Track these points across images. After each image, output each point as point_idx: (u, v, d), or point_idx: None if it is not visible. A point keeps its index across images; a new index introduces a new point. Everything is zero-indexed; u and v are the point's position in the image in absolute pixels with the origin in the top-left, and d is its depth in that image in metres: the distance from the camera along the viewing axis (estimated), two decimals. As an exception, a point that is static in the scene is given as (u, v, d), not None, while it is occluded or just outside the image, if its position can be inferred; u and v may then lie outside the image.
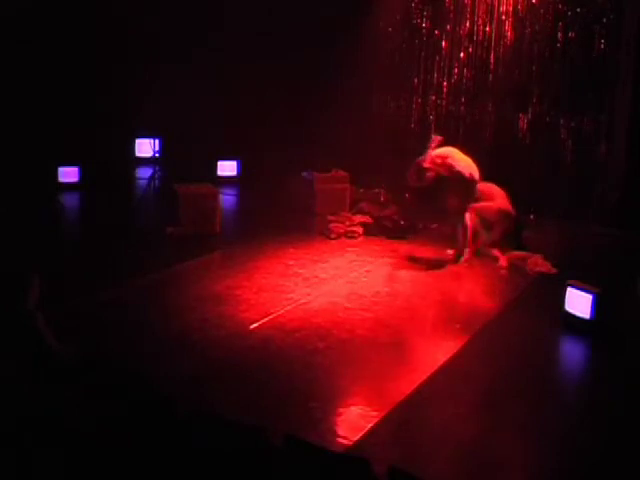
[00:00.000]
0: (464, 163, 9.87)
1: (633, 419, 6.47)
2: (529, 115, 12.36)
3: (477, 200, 10.15)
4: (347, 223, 11.43)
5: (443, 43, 13.02)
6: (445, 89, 13.13)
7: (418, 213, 11.46)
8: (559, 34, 11.99)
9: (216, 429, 4.96)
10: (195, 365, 7.09)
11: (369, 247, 10.76)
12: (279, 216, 11.62)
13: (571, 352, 8.33)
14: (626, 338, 7.95)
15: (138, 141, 14.30)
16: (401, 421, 6.38)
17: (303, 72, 13.21)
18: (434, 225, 11.47)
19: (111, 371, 5.82)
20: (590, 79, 11.79)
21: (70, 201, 12.55)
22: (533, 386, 7.06)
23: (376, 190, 12.61)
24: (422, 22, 13.20)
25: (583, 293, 8.06)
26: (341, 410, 6.55)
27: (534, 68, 12.32)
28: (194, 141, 13.03)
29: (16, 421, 5.03)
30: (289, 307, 8.51)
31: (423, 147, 10.14)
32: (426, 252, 10.49)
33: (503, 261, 10.04)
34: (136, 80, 13.16)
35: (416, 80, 13.35)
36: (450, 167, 9.79)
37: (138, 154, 14.33)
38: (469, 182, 9.83)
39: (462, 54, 12.88)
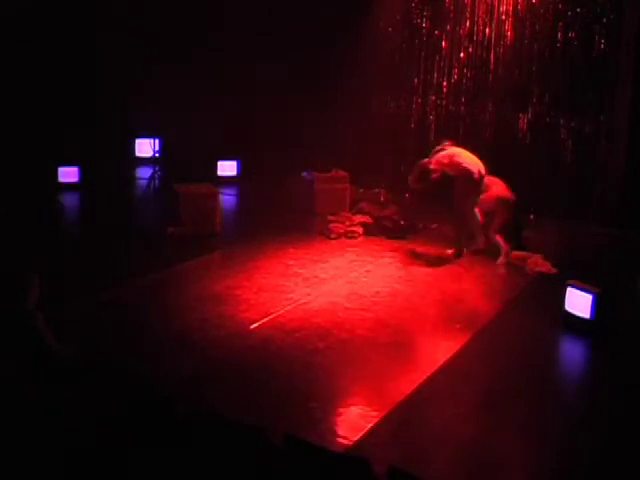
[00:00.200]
0: (470, 160, 10.01)
1: (633, 419, 6.47)
2: (529, 115, 12.36)
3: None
4: (347, 223, 11.43)
5: (443, 43, 13.02)
6: (445, 89, 13.13)
7: (418, 213, 11.49)
8: (559, 34, 11.99)
9: (216, 429, 4.96)
10: (195, 365, 7.10)
11: (369, 247, 10.76)
12: (279, 216, 11.62)
13: (571, 352, 8.33)
14: (626, 338, 7.95)
15: (138, 141, 14.32)
16: (401, 421, 6.38)
17: (303, 72, 13.21)
18: (434, 225, 11.49)
19: (111, 371, 5.82)
20: (590, 79, 11.78)
21: (70, 201, 12.55)
22: (533, 386, 7.06)
23: (376, 190, 12.62)
24: (422, 22, 13.20)
25: (583, 293, 8.06)
26: (341, 410, 6.55)
27: (534, 68, 12.32)
28: (194, 141, 13.04)
29: (16, 421, 5.03)
30: (289, 307, 8.51)
31: (430, 151, 10.24)
32: (426, 252, 10.49)
33: (505, 252, 10.06)
34: (136, 80, 13.17)
35: (416, 80, 13.35)
36: (457, 165, 9.94)
37: (138, 154, 14.35)
38: (477, 179, 9.94)
39: (462, 54, 12.88)
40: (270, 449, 4.81)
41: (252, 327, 7.98)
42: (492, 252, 10.37)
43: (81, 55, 13.00)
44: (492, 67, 12.65)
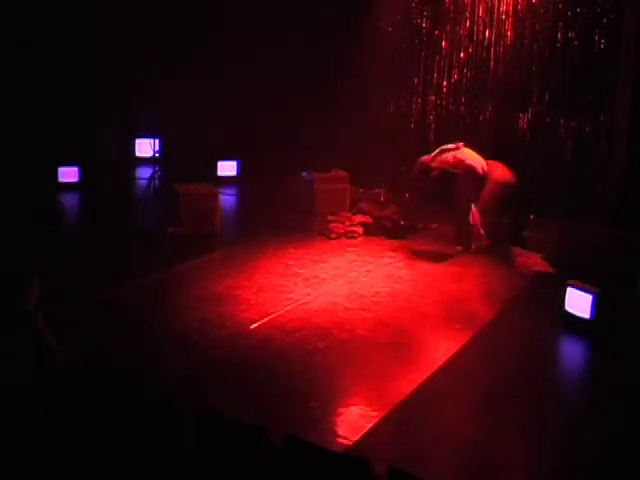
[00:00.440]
0: (473, 158, 10.36)
1: (633, 419, 6.47)
2: (529, 115, 12.36)
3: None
4: (347, 223, 11.43)
5: (443, 43, 13.01)
6: (445, 89, 13.13)
7: (418, 213, 11.48)
8: (559, 34, 11.97)
9: (216, 429, 4.96)
10: (195, 365, 7.10)
11: (369, 247, 10.76)
12: (279, 216, 11.62)
13: (571, 352, 8.33)
14: (626, 338, 7.95)
15: (138, 141, 14.30)
16: (401, 421, 6.38)
17: (303, 72, 13.20)
18: (434, 225, 11.49)
19: (111, 371, 5.82)
20: (590, 79, 11.77)
21: (70, 201, 12.55)
22: (533, 386, 7.07)
23: (376, 190, 12.61)
24: (422, 22, 13.19)
25: (583, 293, 8.06)
26: (341, 410, 6.55)
27: (534, 68, 12.31)
28: (194, 141, 13.03)
29: (16, 421, 5.03)
30: (289, 307, 8.51)
31: (430, 150, 10.43)
32: (426, 252, 10.50)
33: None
34: (136, 80, 13.17)
35: (416, 80, 13.33)
36: (460, 162, 10.28)
37: (138, 154, 14.33)
38: (480, 175, 10.29)
39: (462, 54, 12.87)
40: (270, 449, 4.81)
41: (252, 327, 7.98)
42: (492, 252, 10.38)
43: (81, 55, 12.99)
44: (492, 67, 12.64)
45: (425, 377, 7.05)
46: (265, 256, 10.09)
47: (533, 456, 6.03)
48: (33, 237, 9.81)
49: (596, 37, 11.71)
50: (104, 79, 13.13)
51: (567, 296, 8.20)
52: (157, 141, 13.10)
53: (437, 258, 10.30)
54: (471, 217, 10.31)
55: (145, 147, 13.66)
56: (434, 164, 10.30)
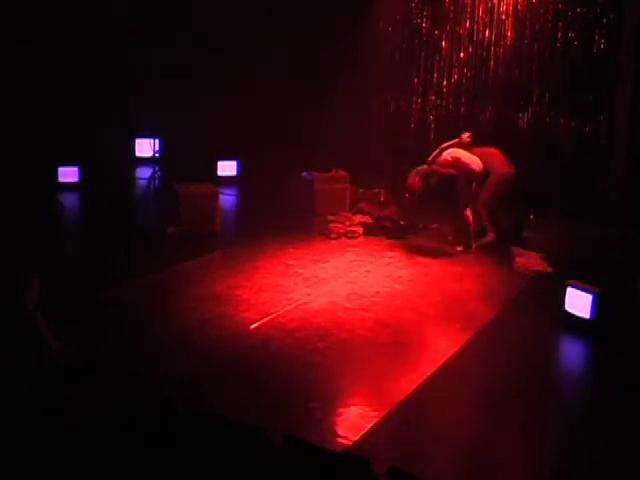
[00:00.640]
0: (469, 157, 10.52)
1: (633, 419, 6.47)
2: (529, 115, 12.36)
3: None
4: (347, 223, 11.43)
5: (443, 43, 13.01)
6: (445, 89, 13.13)
7: (418, 213, 11.49)
8: (559, 34, 11.97)
9: (216, 429, 4.96)
10: (195, 365, 7.10)
11: (369, 247, 10.77)
12: (279, 216, 11.62)
13: (571, 352, 8.33)
14: (626, 338, 7.95)
15: (138, 141, 14.31)
16: (401, 421, 6.38)
17: (303, 72, 13.20)
18: (434, 225, 11.50)
19: (111, 371, 5.82)
20: (590, 79, 11.76)
21: (70, 201, 12.55)
22: (533, 386, 7.06)
23: (376, 190, 12.61)
24: (422, 22, 13.19)
25: (583, 293, 8.06)
26: (341, 410, 6.55)
27: (534, 68, 12.31)
28: (194, 141, 13.03)
29: (16, 421, 5.03)
30: (289, 307, 8.51)
31: (430, 151, 10.74)
32: (426, 252, 10.50)
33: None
34: (136, 80, 13.16)
35: (416, 80, 13.34)
36: (457, 161, 10.43)
37: (138, 154, 14.34)
38: (478, 174, 10.48)
39: (462, 54, 12.87)
40: (270, 449, 4.81)
41: (252, 327, 7.98)
42: (493, 252, 10.39)
43: (81, 55, 12.99)
44: (492, 67, 12.64)
45: (425, 377, 7.05)
46: (265, 256, 10.09)
47: (533, 456, 6.04)
48: (33, 237, 9.80)
49: (596, 37, 11.70)
50: (104, 79, 13.12)
51: (567, 296, 8.20)
52: (157, 141, 13.11)
53: (437, 258, 10.31)
54: (468, 217, 10.44)
55: (145, 147, 13.67)
56: (434, 167, 10.43)
